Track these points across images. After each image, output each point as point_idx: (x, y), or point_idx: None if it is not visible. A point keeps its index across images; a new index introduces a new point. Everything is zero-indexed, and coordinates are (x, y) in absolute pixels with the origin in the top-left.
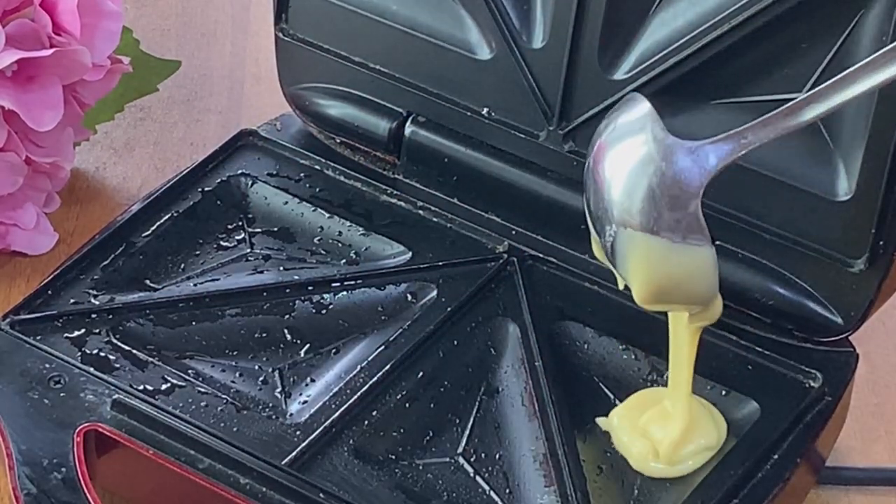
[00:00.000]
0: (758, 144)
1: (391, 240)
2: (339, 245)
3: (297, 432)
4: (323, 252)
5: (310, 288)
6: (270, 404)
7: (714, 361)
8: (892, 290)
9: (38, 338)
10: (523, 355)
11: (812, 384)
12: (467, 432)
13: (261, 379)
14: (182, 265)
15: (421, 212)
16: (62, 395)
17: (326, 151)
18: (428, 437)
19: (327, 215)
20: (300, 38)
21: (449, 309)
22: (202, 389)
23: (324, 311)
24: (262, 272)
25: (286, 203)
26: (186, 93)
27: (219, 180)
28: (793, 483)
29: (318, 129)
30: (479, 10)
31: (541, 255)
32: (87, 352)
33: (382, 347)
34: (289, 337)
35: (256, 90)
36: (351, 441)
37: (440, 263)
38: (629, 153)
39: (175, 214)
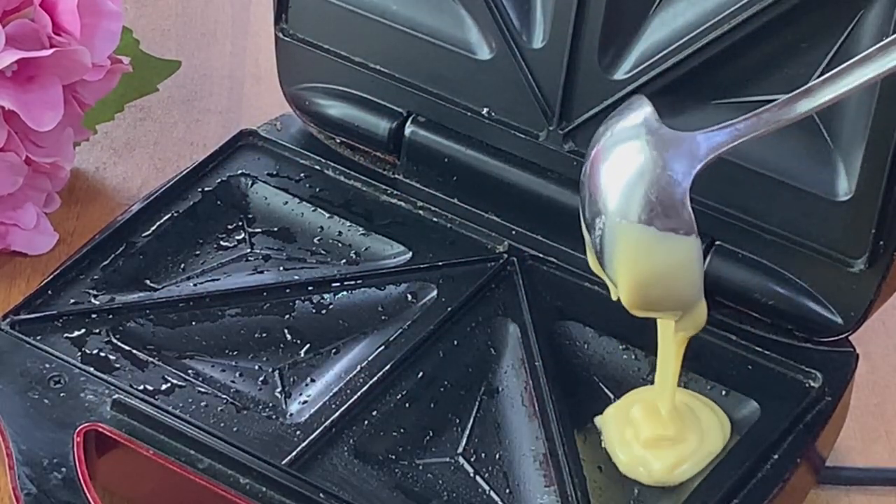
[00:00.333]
0: (751, 136)
1: (391, 240)
2: (339, 245)
3: (297, 432)
4: (323, 252)
5: (310, 288)
6: (270, 404)
7: (714, 361)
8: (892, 290)
9: (38, 338)
10: (523, 355)
11: (812, 384)
12: (467, 432)
13: (261, 379)
14: (182, 265)
15: (421, 212)
16: (62, 395)
17: (326, 151)
18: (428, 437)
19: (327, 215)
20: (300, 38)
21: (449, 309)
22: (202, 389)
23: (324, 311)
24: (262, 272)
25: (286, 203)
26: (186, 93)
27: (219, 180)
28: (793, 483)
29: (318, 129)
30: (479, 10)
31: (541, 255)
32: (87, 352)
33: (382, 347)
34: (289, 337)
35: (256, 90)
36: (351, 441)
37: (440, 263)
38: (621, 142)
39: (175, 214)
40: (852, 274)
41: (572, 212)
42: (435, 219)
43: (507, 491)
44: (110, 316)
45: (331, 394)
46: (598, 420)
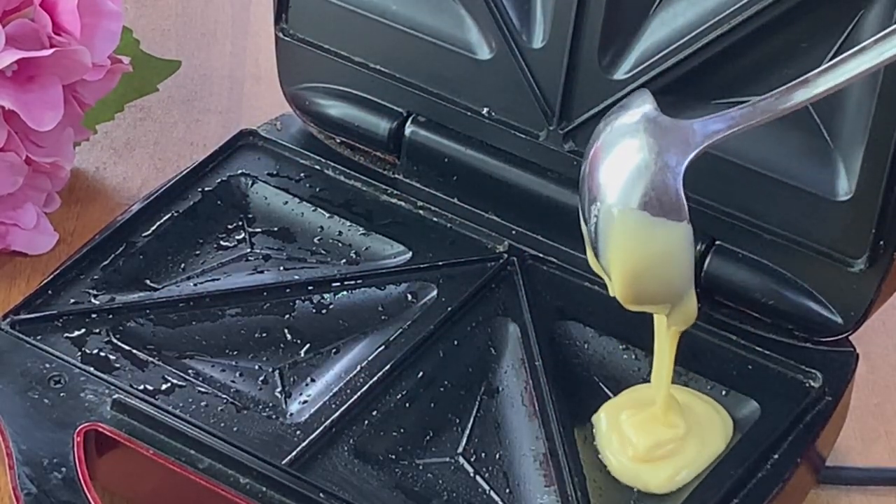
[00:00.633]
0: (747, 125)
1: (391, 240)
2: (339, 245)
3: (297, 432)
4: (323, 252)
5: (310, 288)
6: (270, 404)
7: (714, 361)
8: (892, 290)
9: (38, 338)
10: (523, 355)
11: (812, 384)
12: (467, 432)
13: (261, 379)
14: (182, 265)
15: (421, 212)
16: (62, 394)
17: (326, 151)
18: (428, 437)
19: (327, 215)
20: (300, 38)
21: (449, 309)
22: (202, 389)
23: (324, 311)
24: (262, 272)
25: (286, 203)
26: (186, 93)
27: (219, 180)
28: (793, 483)
29: (318, 129)
30: (479, 10)
31: (541, 255)
32: (87, 352)
33: (382, 347)
34: (289, 337)
35: (256, 90)
36: (351, 441)
37: (440, 263)
38: (618, 129)
39: (175, 214)
40: (852, 274)
41: (572, 212)
42: (435, 219)
43: (507, 491)
44: (110, 316)
45: (331, 394)
46: (593, 419)
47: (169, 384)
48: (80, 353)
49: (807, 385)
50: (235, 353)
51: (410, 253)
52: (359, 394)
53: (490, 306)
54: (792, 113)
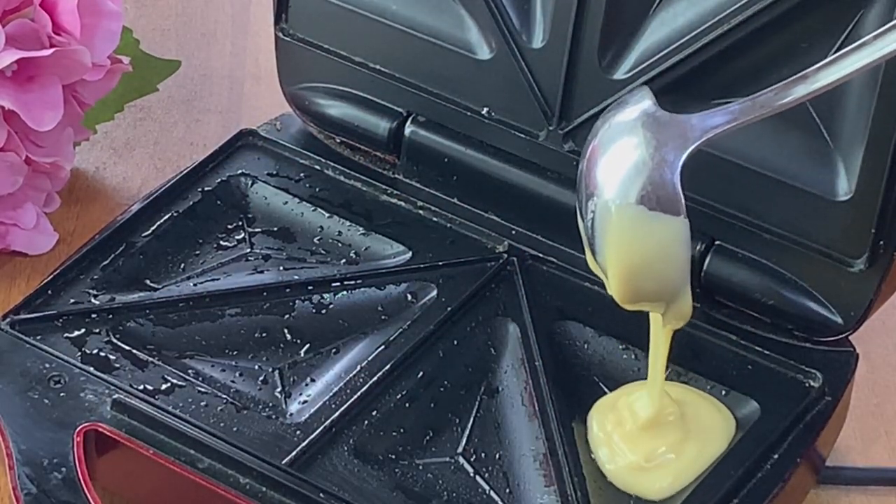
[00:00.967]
0: (746, 120)
1: (391, 240)
2: (339, 245)
3: (297, 432)
4: (323, 252)
5: (310, 288)
6: (270, 404)
7: (714, 361)
8: (892, 290)
9: (38, 338)
10: (523, 355)
11: (812, 384)
12: (467, 432)
13: (261, 379)
14: (182, 265)
15: (421, 212)
16: (62, 394)
17: (326, 151)
18: (428, 437)
19: (327, 215)
20: (300, 38)
21: (449, 309)
22: (202, 389)
23: (324, 311)
24: (262, 272)
25: (286, 203)
26: (186, 93)
27: (219, 180)
28: (793, 483)
29: (318, 129)
30: (479, 10)
31: (541, 255)
32: (87, 352)
33: (382, 347)
34: (289, 337)
35: (256, 90)
36: (351, 441)
37: (440, 263)
38: (617, 124)
39: (175, 214)
40: (852, 274)
41: (572, 211)
42: (435, 219)
43: (507, 491)
44: (110, 316)
45: (331, 394)
46: (589, 418)
47: (169, 384)
48: (79, 353)
49: (807, 385)
50: (235, 353)
51: (410, 253)
52: (359, 394)
53: (490, 306)
54: (792, 113)
